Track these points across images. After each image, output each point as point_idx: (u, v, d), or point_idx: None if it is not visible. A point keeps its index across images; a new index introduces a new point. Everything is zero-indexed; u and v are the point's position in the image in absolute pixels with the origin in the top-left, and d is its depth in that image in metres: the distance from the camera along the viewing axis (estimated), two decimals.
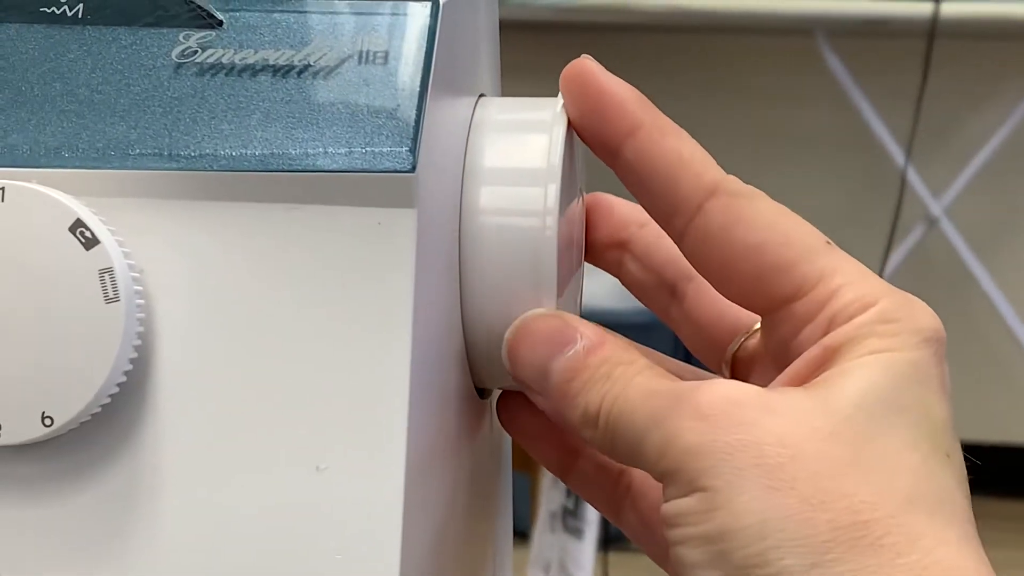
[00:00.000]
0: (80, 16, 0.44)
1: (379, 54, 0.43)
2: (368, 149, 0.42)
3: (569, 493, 1.54)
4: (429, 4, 0.44)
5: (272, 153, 0.42)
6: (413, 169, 0.42)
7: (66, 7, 0.44)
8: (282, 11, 0.44)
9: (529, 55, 1.92)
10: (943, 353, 0.42)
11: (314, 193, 0.42)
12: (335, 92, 0.43)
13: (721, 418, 0.40)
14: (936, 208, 2.13)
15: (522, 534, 1.56)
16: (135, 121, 0.43)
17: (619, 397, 0.43)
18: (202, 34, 0.44)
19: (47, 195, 0.42)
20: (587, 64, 0.46)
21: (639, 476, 0.51)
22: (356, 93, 0.43)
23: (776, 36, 2.28)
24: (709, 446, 0.40)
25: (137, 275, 0.42)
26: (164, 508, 0.42)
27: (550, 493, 1.52)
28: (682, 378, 0.44)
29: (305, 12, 0.44)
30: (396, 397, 0.42)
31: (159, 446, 0.43)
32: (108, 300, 0.41)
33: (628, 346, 0.45)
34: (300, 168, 0.42)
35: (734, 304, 0.46)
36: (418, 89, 0.43)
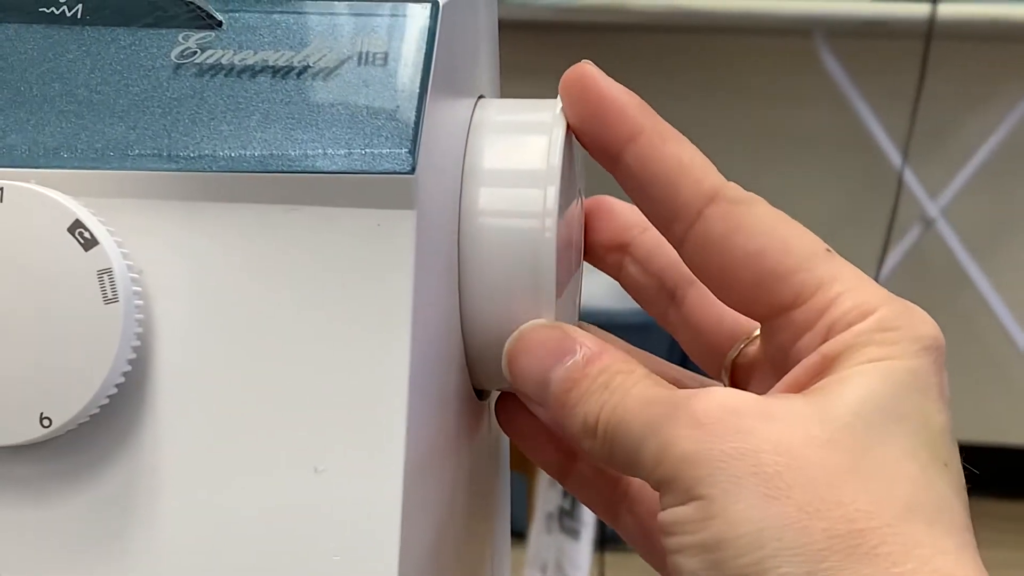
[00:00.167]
0: (79, 16, 0.44)
1: (379, 55, 0.43)
2: (367, 150, 0.42)
3: (566, 494, 1.54)
4: (429, 5, 0.44)
5: (271, 154, 0.42)
6: (412, 171, 0.42)
7: (65, 7, 0.44)
8: (281, 12, 0.44)
9: (529, 55, 1.92)
10: (942, 361, 0.42)
11: (313, 194, 0.42)
12: (334, 93, 0.43)
13: (717, 426, 0.40)
14: (933, 209, 2.13)
15: (518, 534, 1.56)
16: (134, 122, 0.43)
17: (617, 406, 0.43)
18: (201, 35, 0.44)
19: (46, 195, 0.42)
20: (587, 69, 0.46)
21: (637, 482, 0.51)
22: (355, 94, 0.43)
23: (774, 36, 2.29)
24: (706, 454, 0.40)
25: (136, 276, 0.42)
26: (163, 510, 0.42)
27: (547, 494, 1.52)
28: (683, 385, 0.44)
29: (304, 13, 0.44)
30: (395, 398, 0.42)
31: (158, 447, 0.42)
32: (107, 301, 0.41)
33: (627, 356, 0.45)
34: (299, 169, 0.42)
35: (733, 310, 0.46)
36: (418, 90, 0.43)
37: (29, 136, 0.43)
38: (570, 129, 0.47)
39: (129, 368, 0.42)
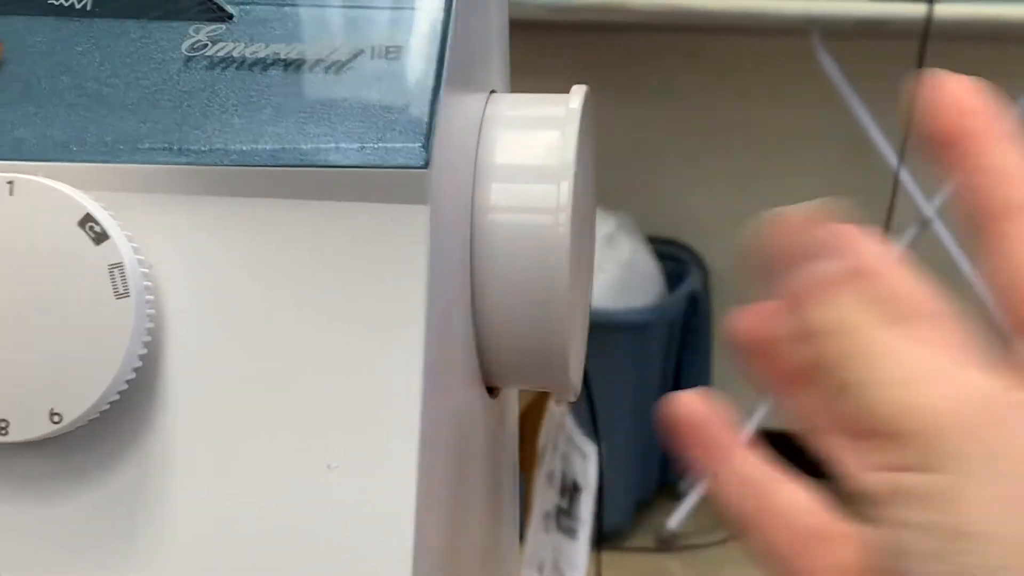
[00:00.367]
0: (89, 8, 0.44)
1: (391, 49, 0.43)
2: (380, 145, 0.42)
3: (563, 493, 1.53)
4: None
5: (283, 148, 0.42)
6: (426, 165, 0.41)
7: (74, 0, 0.44)
8: (293, 5, 0.44)
9: (528, 54, 1.92)
10: None
11: (325, 189, 0.42)
12: (347, 87, 0.42)
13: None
14: (929, 209, 2.13)
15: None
16: (144, 115, 0.43)
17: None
18: (212, 27, 0.43)
19: (56, 189, 0.41)
20: (975, 124, 0.39)
21: None
22: (368, 88, 0.42)
23: (771, 36, 2.28)
24: (981, 432, 0.34)
25: (146, 271, 0.42)
26: (173, 507, 0.42)
27: (544, 493, 1.51)
28: None
29: (316, 6, 0.44)
30: (408, 396, 0.41)
31: (168, 444, 0.42)
32: (118, 296, 0.41)
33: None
34: (311, 163, 0.42)
35: None
36: (431, 85, 0.42)
37: (38, 129, 0.42)
38: (583, 122, 0.46)
39: (140, 364, 0.41)
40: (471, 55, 0.46)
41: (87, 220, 0.41)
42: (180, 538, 0.42)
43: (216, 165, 0.42)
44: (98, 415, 0.41)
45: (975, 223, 0.38)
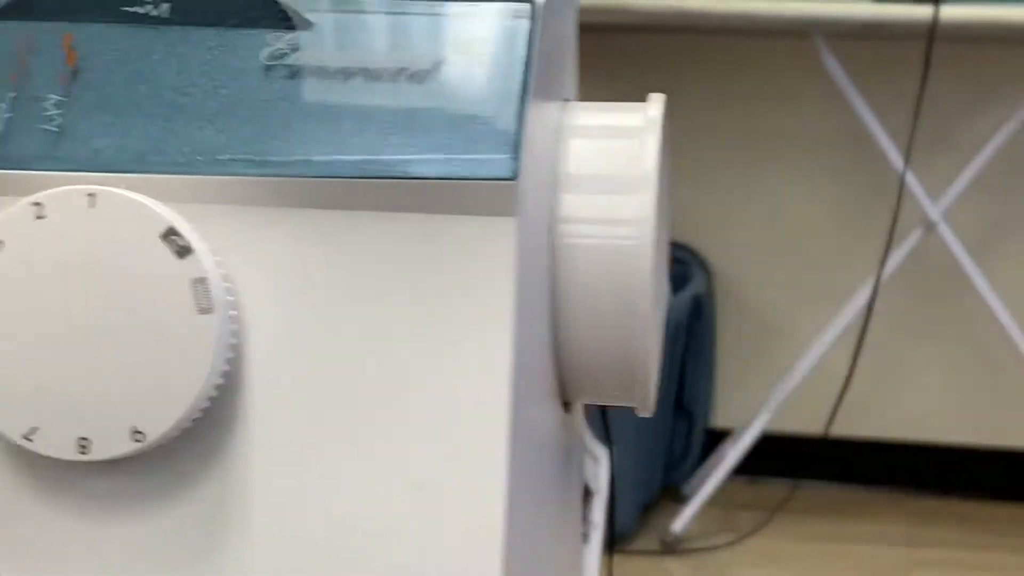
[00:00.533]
0: (166, 16, 0.43)
1: (476, 57, 0.42)
2: (467, 156, 0.41)
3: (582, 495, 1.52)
4: (527, 6, 0.42)
5: (366, 159, 0.41)
6: (515, 177, 0.40)
7: (151, 7, 0.43)
8: (373, 12, 0.43)
9: None
10: None
11: (410, 201, 0.41)
12: (430, 96, 0.42)
13: None
14: (934, 212, 2.13)
15: None
16: (223, 125, 0.42)
17: None
18: (292, 35, 0.42)
19: (138, 202, 0.40)
20: None
21: None
22: (453, 97, 0.42)
23: (775, 38, 2.28)
24: None
25: (228, 285, 0.41)
26: (256, 525, 0.41)
27: None
28: None
29: (396, 14, 0.43)
30: (496, 413, 0.40)
31: (250, 461, 0.41)
32: (201, 311, 0.40)
33: None
34: (396, 175, 0.41)
35: None
36: (518, 94, 0.41)
37: (115, 140, 0.42)
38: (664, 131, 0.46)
39: (222, 381, 0.40)
40: (551, 64, 0.46)
41: (169, 233, 0.40)
42: (262, 557, 0.41)
43: (297, 177, 0.41)
44: (180, 432, 0.40)
45: None
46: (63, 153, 0.41)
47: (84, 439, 0.40)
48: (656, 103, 0.46)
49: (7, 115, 0.41)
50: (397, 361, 0.41)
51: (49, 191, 0.40)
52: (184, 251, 0.40)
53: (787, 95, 2.31)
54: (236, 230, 0.41)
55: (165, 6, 0.43)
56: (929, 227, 2.14)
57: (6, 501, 0.41)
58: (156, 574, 0.41)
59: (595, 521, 1.62)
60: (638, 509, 2.29)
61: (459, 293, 0.41)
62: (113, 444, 0.40)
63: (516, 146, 0.41)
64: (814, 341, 1.99)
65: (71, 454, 0.40)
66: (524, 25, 0.42)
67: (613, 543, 1.68)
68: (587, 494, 1.68)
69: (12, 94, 0.42)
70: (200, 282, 0.40)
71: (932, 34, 1.96)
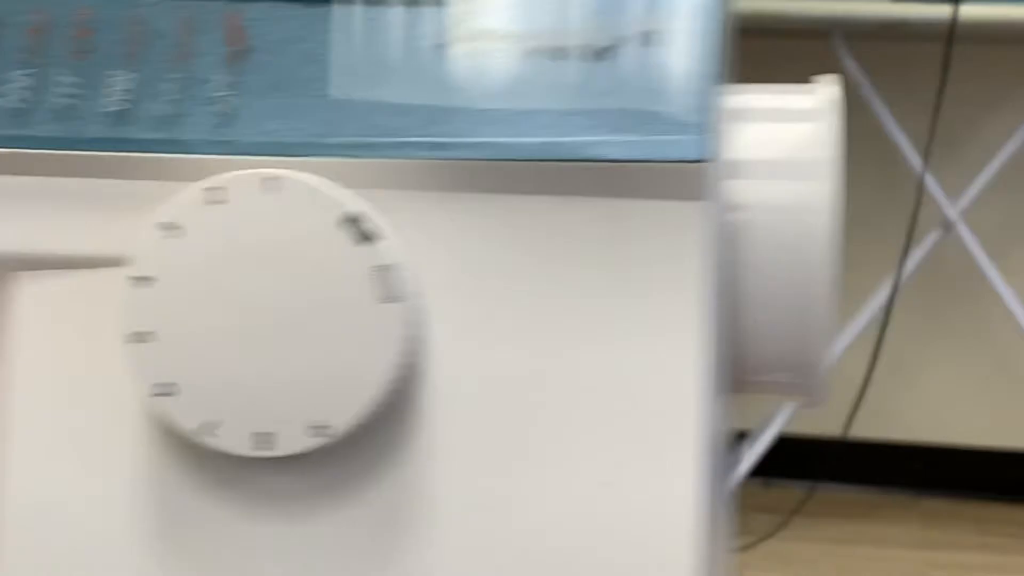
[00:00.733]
0: None
1: (659, 35, 0.40)
2: (653, 137, 0.39)
3: None
4: None
5: (548, 141, 0.39)
6: (705, 158, 0.39)
7: None
8: None
9: None
10: None
11: (594, 184, 0.39)
12: (612, 76, 0.40)
13: None
14: (952, 212, 2.12)
15: None
16: (399, 107, 0.40)
17: None
18: (466, 12, 0.41)
19: (319, 187, 0.39)
20: None
21: None
22: (636, 77, 0.40)
23: (793, 38, 2.27)
24: None
25: (410, 273, 0.39)
26: (438, 523, 0.39)
27: None
28: None
29: None
30: (687, 408, 0.39)
31: (432, 457, 0.39)
32: (384, 299, 0.38)
33: None
34: (579, 157, 0.39)
35: None
36: (706, 73, 0.40)
37: (289, 122, 0.40)
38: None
39: (405, 373, 0.39)
40: (726, 44, 0.44)
41: (350, 219, 0.38)
42: (445, 556, 0.39)
43: (476, 160, 0.39)
44: (360, 427, 0.39)
45: None
46: (234, 137, 0.40)
47: (263, 434, 0.38)
48: (830, 84, 0.45)
49: (174, 98, 0.40)
50: (582, 352, 0.39)
51: (227, 175, 0.38)
52: (366, 237, 0.38)
53: None
54: (414, 215, 0.40)
55: None
56: (947, 228, 2.13)
57: (179, 499, 0.40)
58: (340, 573, 0.39)
59: None
60: None
61: (646, 281, 0.39)
62: (293, 439, 0.38)
63: (706, 126, 0.39)
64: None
65: (249, 450, 0.38)
66: (710, 2, 0.40)
67: None
68: None
69: (178, 76, 0.40)
70: (383, 269, 0.38)
71: (951, 34, 1.96)
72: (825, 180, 0.43)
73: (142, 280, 0.39)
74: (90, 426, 0.40)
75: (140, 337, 0.38)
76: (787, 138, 0.44)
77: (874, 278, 1.96)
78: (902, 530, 2.00)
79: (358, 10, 0.41)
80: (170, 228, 0.38)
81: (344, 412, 0.38)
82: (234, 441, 0.38)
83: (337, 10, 0.41)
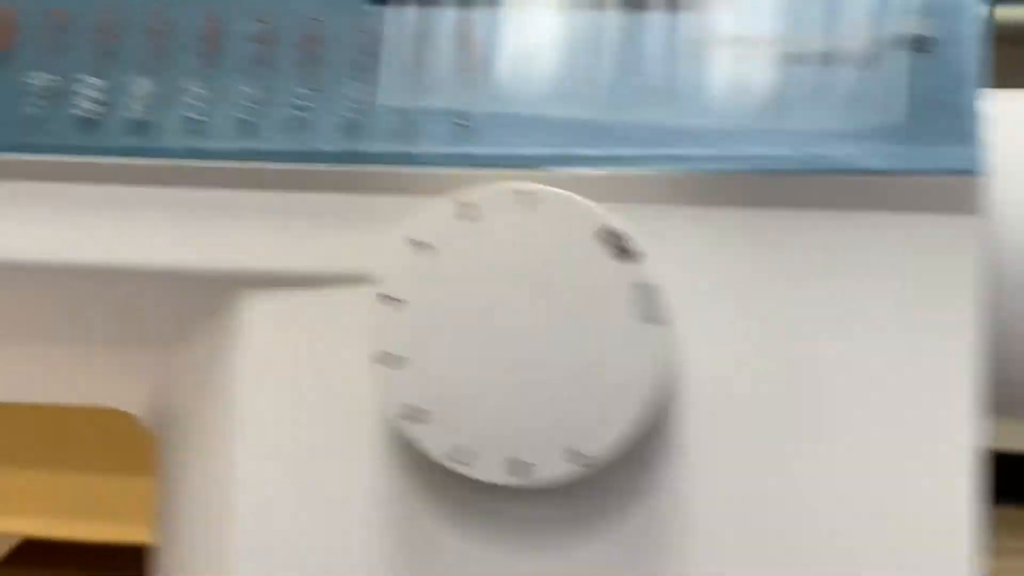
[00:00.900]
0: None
1: (924, 39, 0.38)
2: (921, 147, 0.37)
3: None
4: None
5: (808, 153, 0.37)
6: (979, 171, 0.37)
7: None
8: None
9: None
10: None
11: (856, 197, 0.37)
12: (875, 83, 0.38)
13: None
14: None
15: None
16: (651, 114, 0.38)
17: None
18: (719, 18, 0.39)
19: (577, 201, 0.36)
20: None
21: None
22: (901, 83, 0.38)
23: None
24: None
25: (669, 291, 0.37)
26: (703, 548, 0.37)
27: None
28: None
29: None
30: (961, 432, 0.37)
31: (694, 481, 0.37)
32: (645, 319, 0.36)
33: None
34: (842, 169, 0.37)
35: None
36: (977, 81, 0.38)
37: (529, 134, 0.38)
38: None
39: (665, 395, 0.37)
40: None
41: (608, 235, 0.36)
42: (711, 570, 0.37)
43: (729, 172, 0.37)
44: (619, 454, 0.37)
45: None
46: (472, 149, 0.37)
47: (518, 461, 0.36)
48: None
49: (411, 107, 0.38)
50: (847, 372, 0.37)
51: (478, 190, 0.36)
52: (626, 253, 0.36)
53: None
54: (663, 229, 0.38)
55: None
56: None
57: (422, 527, 0.38)
58: None
59: None
60: None
61: (913, 299, 0.37)
62: (550, 467, 0.36)
63: (979, 137, 0.37)
64: None
65: (503, 478, 0.36)
66: (979, 3, 0.38)
67: None
68: None
69: (413, 84, 0.38)
70: (643, 288, 0.36)
71: (990, 35, 1.94)
72: None
73: (392, 300, 0.36)
74: (324, 450, 0.38)
75: (390, 358, 0.36)
76: None
77: None
78: None
79: (607, 17, 0.38)
80: (421, 246, 0.36)
81: (604, 438, 0.36)
82: (488, 469, 0.36)
83: (580, 18, 0.38)
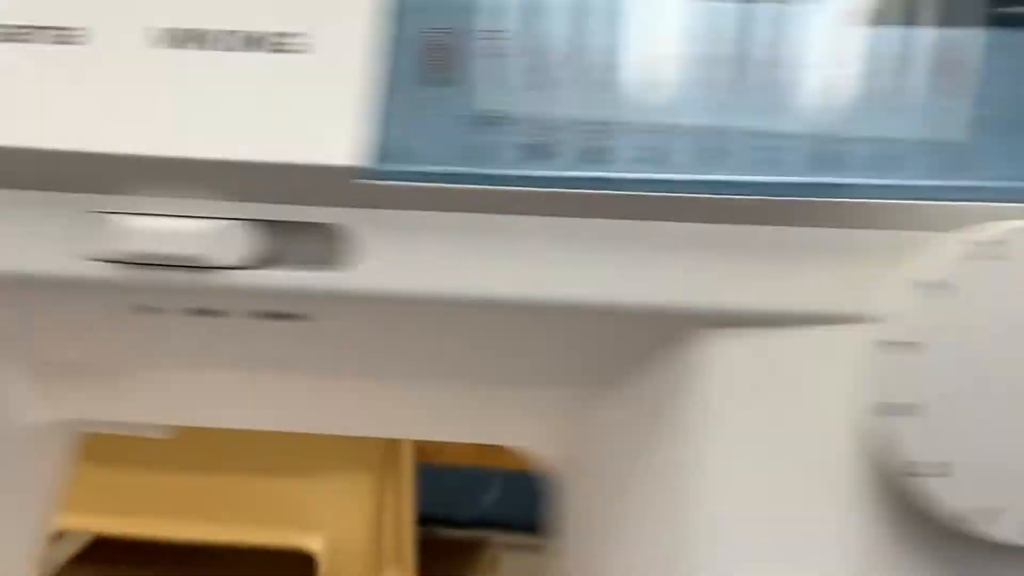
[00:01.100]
0: None
1: None
2: None
3: None
4: None
5: None
6: None
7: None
8: None
9: None
10: None
11: None
12: None
13: None
14: None
15: None
16: None
17: None
18: None
19: None
20: None
21: None
22: None
23: None
24: None
25: None
26: None
27: None
28: None
29: None
30: None
31: None
32: None
33: None
34: None
35: None
36: None
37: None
38: None
39: None
40: None
41: None
42: None
43: None
44: None
45: None
46: (970, 181, 0.35)
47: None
48: None
49: (886, 136, 0.35)
50: None
51: (1002, 227, 0.34)
52: None
53: None
54: None
55: None
56: None
57: None
58: None
59: None
60: None
61: None
62: None
63: None
64: None
65: None
66: None
67: None
68: None
69: (889, 110, 0.35)
70: None
71: None
72: None
73: (902, 345, 0.34)
74: (800, 498, 0.36)
75: (900, 409, 0.34)
76: None
77: None
78: None
79: None
80: (937, 287, 0.34)
81: None
82: (1011, 528, 0.34)
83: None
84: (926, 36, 0.36)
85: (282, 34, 0.34)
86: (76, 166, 0.35)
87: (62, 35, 0.35)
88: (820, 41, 0.35)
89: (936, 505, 0.34)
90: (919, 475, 0.34)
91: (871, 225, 0.35)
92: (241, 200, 0.36)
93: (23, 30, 0.35)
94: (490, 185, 0.36)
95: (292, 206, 0.36)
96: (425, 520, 1.19)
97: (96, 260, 0.36)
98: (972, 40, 0.36)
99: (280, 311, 0.38)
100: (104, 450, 0.93)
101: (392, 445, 1.09)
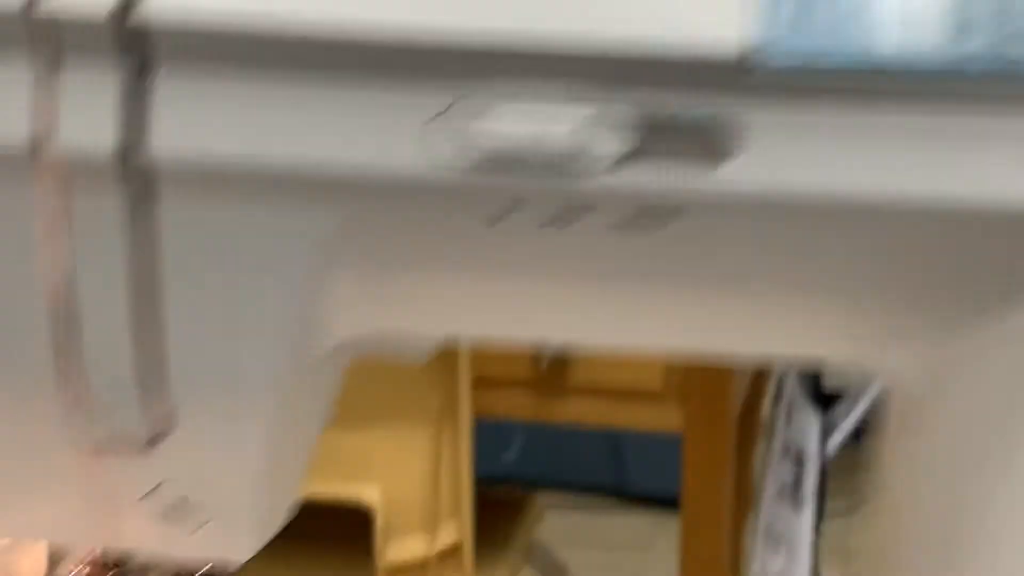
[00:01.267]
0: None
1: None
2: None
3: (795, 464, 1.48)
4: None
5: None
6: None
7: None
8: None
9: None
10: None
11: None
12: None
13: None
14: None
15: None
16: None
17: None
18: None
19: None
20: None
21: None
22: None
23: None
24: None
25: None
26: None
27: (780, 466, 1.46)
28: None
29: None
30: None
31: None
32: None
33: None
34: None
35: None
36: None
37: None
38: None
39: None
40: None
41: None
42: None
43: None
44: None
45: None
46: None
47: None
48: None
49: None
50: None
51: None
52: None
53: None
54: None
55: None
56: None
57: None
58: None
59: (808, 488, 1.56)
60: None
61: None
62: None
63: None
64: None
65: None
66: None
67: (823, 511, 1.62)
68: (800, 462, 1.62)
69: None
70: None
71: None
72: None
73: None
74: None
75: None
76: None
77: None
78: None
79: None
80: None
81: None
82: None
83: None
84: None
85: None
86: (442, 48, 0.32)
87: None
88: None
89: None
90: None
91: None
92: (614, 90, 0.33)
93: None
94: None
95: (670, 95, 0.33)
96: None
97: (454, 167, 0.33)
98: None
99: (644, 216, 0.35)
100: None
101: (450, 399, 1.08)
